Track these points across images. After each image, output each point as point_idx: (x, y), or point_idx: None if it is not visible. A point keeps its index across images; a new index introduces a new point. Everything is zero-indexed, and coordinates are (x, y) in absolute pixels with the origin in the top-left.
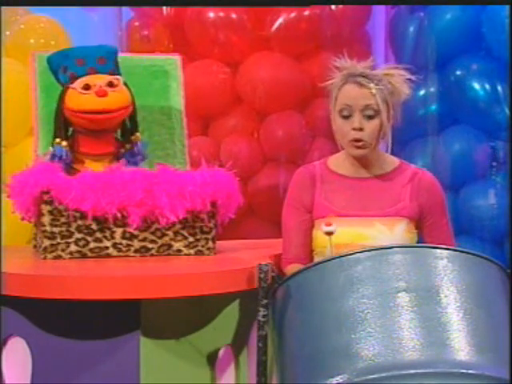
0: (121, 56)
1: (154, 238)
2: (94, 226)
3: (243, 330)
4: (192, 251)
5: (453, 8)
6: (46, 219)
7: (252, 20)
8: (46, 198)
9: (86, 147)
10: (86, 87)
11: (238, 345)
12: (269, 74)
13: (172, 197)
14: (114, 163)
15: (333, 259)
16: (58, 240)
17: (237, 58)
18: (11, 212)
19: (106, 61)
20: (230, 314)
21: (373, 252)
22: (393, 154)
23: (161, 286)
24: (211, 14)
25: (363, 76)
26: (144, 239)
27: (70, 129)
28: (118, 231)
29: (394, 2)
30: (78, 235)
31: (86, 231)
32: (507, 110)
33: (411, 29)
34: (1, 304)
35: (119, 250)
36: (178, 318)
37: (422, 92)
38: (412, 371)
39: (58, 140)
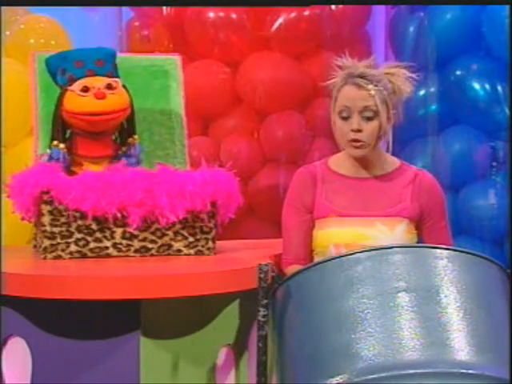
0: (121, 56)
1: (153, 237)
2: (93, 226)
3: (243, 330)
4: (192, 251)
5: (453, 8)
6: (46, 219)
7: (252, 20)
8: (45, 197)
9: (84, 150)
10: (85, 89)
11: (238, 345)
12: (269, 74)
13: (172, 197)
14: (111, 165)
15: (333, 259)
16: (58, 240)
17: (237, 58)
18: (11, 212)
19: (104, 63)
20: (230, 314)
21: (373, 252)
22: (393, 153)
23: (161, 286)
24: (211, 14)
25: (362, 77)
26: (144, 239)
27: (68, 131)
28: (118, 231)
29: (394, 2)
30: (77, 235)
31: (85, 231)
32: (507, 110)
33: (411, 29)
34: (1, 304)
35: (119, 250)
36: (178, 318)
37: (421, 92)
38: (412, 371)
39: (55, 142)
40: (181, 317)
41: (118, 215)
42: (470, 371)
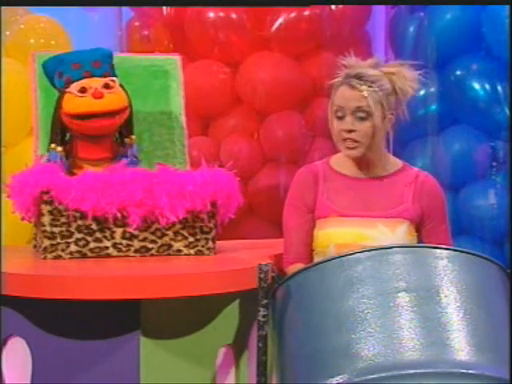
0: (121, 56)
1: (154, 237)
2: (93, 226)
3: (243, 330)
4: (192, 251)
5: (453, 8)
6: (46, 219)
7: (252, 20)
8: (45, 197)
9: (84, 152)
10: (83, 90)
11: (238, 345)
12: (269, 74)
13: (172, 197)
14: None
15: (333, 259)
16: (58, 240)
17: (237, 58)
18: (11, 212)
19: (101, 64)
20: (230, 314)
21: (373, 252)
22: (393, 154)
23: (161, 286)
24: (211, 14)
25: (358, 77)
26: (144, 239)
27: (68, 134)
28: (118, 231)
29: (394, 2)
30: (77, 235)
31: (85, 231)
32: (507, 110)
33: (411, 29)
34: (1, 304)
35: (119, 250)
36: (178, 318)
37: (422, 92)
38: (412, 371)
39: (53, 145)
40: (181, 317)
41: (118, 215)
42: (470, 371)
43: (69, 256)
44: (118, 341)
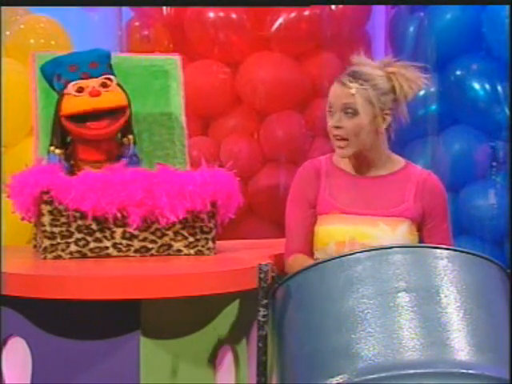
0: (121, 56)
1: (154, 237)
2: (94, 226)
3: (243, 330)
4: (192, 251)
5: (453, 8)
6: (46, 219)
7: (252, 20)
8: (45, 197)
9: (84, 154)
10: (80, 90)
11: (238, 345)
12: (269, 74)
13: (172, 197)
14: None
15: (333, 259)
16: (58, 240)
17: (237, 58)
18: (11, 212)
19: (98, 65)
20: (230, 314)
21: (373, 252)
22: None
23: (161, 286)
24: (211, 14)
25: (351, 75)
26: (144, 239)
27: (69, 137)
28: (118, 231)
29: (394, 2)
30: (77, 235)
31: (85, 231)
32: (507, 110)
33: (411, 29)
34: (1, 304)
35: (119, 250)
36: (178, 317)
37: (422, 92)
38: (412, 371)
39: (51, 148)
40: (181, 317)
41: (118, 215)
42: (470, 371)
43: (69, 256)
44: (117, 341)
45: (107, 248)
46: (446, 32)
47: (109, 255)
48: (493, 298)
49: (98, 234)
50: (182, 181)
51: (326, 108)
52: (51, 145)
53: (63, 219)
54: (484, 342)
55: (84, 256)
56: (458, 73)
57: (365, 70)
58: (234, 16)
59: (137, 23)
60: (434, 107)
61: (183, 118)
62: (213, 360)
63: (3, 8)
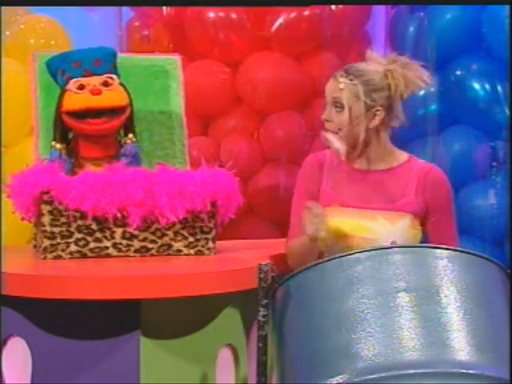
0: (121, 56)
1: (154, 237)
2: (94, 226)
3: (243, 329)
4: (192, 251)
5: (453, 8)
6: (46, 219)
7: (252, 20)
8: (45, 197)
9: (85, 151)
10: (81, 87)
11: (237, 345)
12: (269, 74)
13: (172, 197)
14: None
15: (333, 259)
16: (58, 240)
17: (237, 58)
18: (11, 212)
19: (102, 63)
20: (230, 314)
21: (373, 252)
22: None
23: (161, 286)
24: (211, 14)
25: (344, 70)
26: (144, 239)
27: (71, 133)
28: (118, 231)
29: (394, 2)
30: (77, 235)
31: (85, 231)
32: (507, 110)
33: (411, 29)
34: (1, 304)
35: (119, 250)
36: (178, 317)
37: (421, 92)
38: (412, 371)
39: (53, 143)
40: (181, 317)
41: (118, 215)
42: (470, 371)
43: (69, 256)
44: (117, 341)
45: (107, 248)
46: (446, 32)
47: (109, 255)
48: (493, 298)
49: (98, 234)
50: (182, 181)
51: None
52: (53, 140)
53: (63, 219)
54: (484, 342)
55: (84, 256)
56: (458, 73)
57: (360, 66)
58: (234, 16)
59: (137, 23)
60: (433, 107)
61: (183, 118)
62: (213, 360)
63: (3, 8)
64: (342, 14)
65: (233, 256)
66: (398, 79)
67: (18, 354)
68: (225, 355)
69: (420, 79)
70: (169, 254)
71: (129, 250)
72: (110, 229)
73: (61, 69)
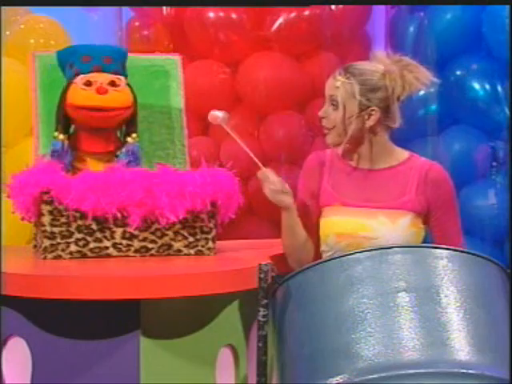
0: None
1: (154, 237)
2: (93, 226)
3: (243, 330)
4: (192, 251)
5: (453, 8)
6: (46, 219)
7: (252, 20)
8: (45, 198)
9: (87, 145)
10: (88, 83)
11: (237, 345)
12: (269, 74)
13: (172, 197)
14: (113, 161)
15: (333, 259)
16: (58, 240)
17: (237, 58)
18: (11, 212)
19: (112, 60)
20: (230, 314)
21: (373, 252)
22: None
23: (161, 286)
24: (211, 14)
25: (343, 68)
26: (144, 239)
27: (72, 126)
28: (118, 231)
29: (394, 2)
30: (78, 235)
31: (86, 231)
32: (507, 110)
33: (411, 29)
34: (1, 304)
35: (119, 250)
36: (178, 317)
37: (422, 92)
38: (412, 371)
39: (55, 134)
40: (181, 317)
41: (118, 215)
42: (470, 371)
43: (69, 256)
44: (118, 341)
45: (107, 248)
46: (446, 32)
47: (109, 255)
48: (493, 298)
49: (98, 234)
50: (181, 181)
51: None
52: (55, 130)
53: (63, 219)
54: (484, 342)
55: (84, 256)
56: (458, 73)
57: (360, 66)
58: (234, 16)
59: (137, 23)
60: (434, 107)
61: (183, 118)
62: (213, 360)
63: (3, 8)
64: (342, 14)
65: (233, 256)
66: (396, 81)
67: (18, 354)
68: (225, 355)
69: (418, 81)
70: (169, 254)
71: (129, 249)
72: (109, 229)
73: (70, 61)
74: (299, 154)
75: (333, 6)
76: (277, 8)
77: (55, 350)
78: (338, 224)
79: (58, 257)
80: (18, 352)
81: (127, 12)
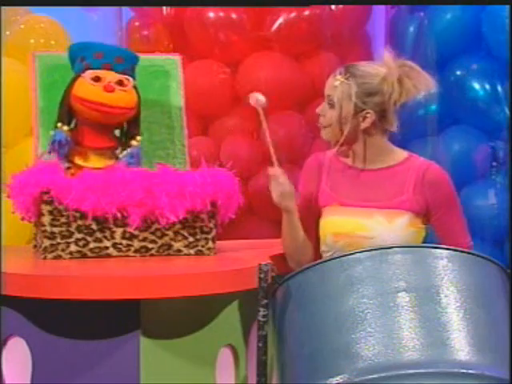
0: None
1: (154, 237)
2: (93, 226)
3: (243, 330)
4: (192, 251)
5: (453, 8)
6: (46, 219)
7: (252, 20)
8: (45, 198)
9: (88, 140)
10: (96, 79)
11: (237, 345)
12: (269, 74)
13: (172, 197)
14: (113, 159)
15: (333, 259)
16: (58, 240)
17: (237, 58)
18: (11, 212)
19: (123, 61)
20: (230, 314)
21: (373, 252)
22: None
23: (161, 286)
24: (211, 14)
25: (344, 68)
26: (144, 239)
27: (74, 120)
28: (118, 231)
29: (394, 2)
30: (78, 235)
31: (85, 231)
32: (507, 110)
33: (411, 29)
34: (1, 304)
35: (119, 250)
36: (178, 317)
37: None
38: (412, 371)
39: (59, 124)
40: (181, 317)
41: (118, 215)
42: (470, 371)
43: (69, 256)
44: (118, 341)
45: (107, 248)
46: (446, 32)
47: (109, 255)
48: (493, 298)
49: (98, 234)
50: (182, 181)
51: None
52: (59, 121)
53: (63, 219)
54: (484, 342)
55: (84, 256)
56: (458, 73)
57: (362, 67)
58: (234, 16)
59: (137, 23)
60: (434, 107)
61: (183, 118)
62: (213, 360)
63: (3, 8)
64: (342, 14)
65: (233, 256)
66: (394, 87)
67: (18, 354)
68: (225, 355)
69: (416, 89)
70: (169, 254)
71: (129, 250)
72: (110, 229)
73: (81, 55)
74: (299, 154)
75: (333, 6)
76: (277, 8)
77: (55, 350)
78: (335, 224)
79: (58, 257)
80: (18, 352)
81: (127, 12)
